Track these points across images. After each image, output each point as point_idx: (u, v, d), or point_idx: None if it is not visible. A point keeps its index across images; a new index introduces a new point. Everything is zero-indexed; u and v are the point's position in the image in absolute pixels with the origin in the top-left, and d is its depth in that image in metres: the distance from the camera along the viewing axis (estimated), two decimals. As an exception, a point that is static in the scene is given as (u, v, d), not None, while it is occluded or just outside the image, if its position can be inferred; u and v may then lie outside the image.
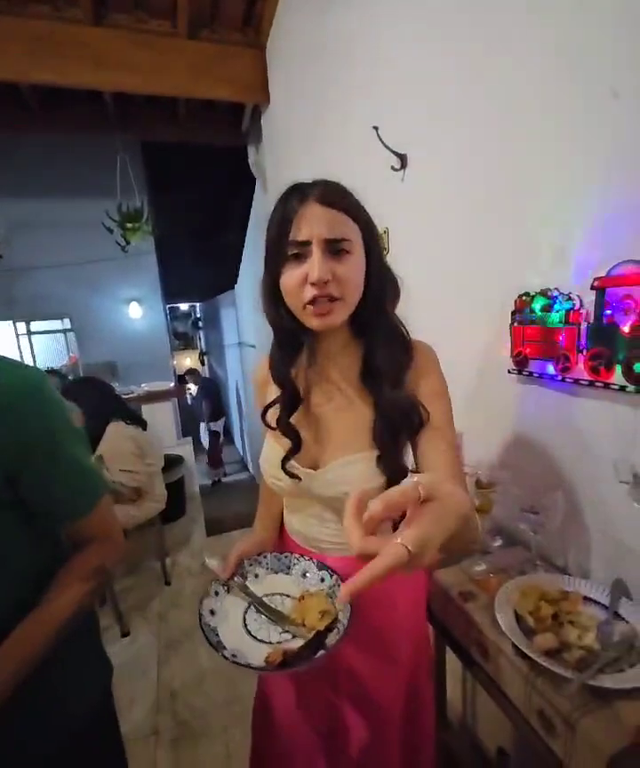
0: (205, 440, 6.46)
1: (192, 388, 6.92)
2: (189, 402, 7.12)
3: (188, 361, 10.11)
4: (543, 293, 0.87)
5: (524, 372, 0.94)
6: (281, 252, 0.61)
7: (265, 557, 0.81)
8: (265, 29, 2.42)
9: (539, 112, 0.86)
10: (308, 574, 0.76)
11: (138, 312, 5.21)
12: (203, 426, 6.54)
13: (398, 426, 0.65)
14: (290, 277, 0.61)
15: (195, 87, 2.45)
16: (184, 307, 11.13)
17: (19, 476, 0.57)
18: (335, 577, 0.73)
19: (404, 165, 1.34)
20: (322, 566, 0.75)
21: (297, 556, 0.79)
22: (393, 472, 0.65)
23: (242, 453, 7.37)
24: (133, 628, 2.18)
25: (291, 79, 2.24)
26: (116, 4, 2.22)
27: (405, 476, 0.63)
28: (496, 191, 1.00)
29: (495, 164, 1.00)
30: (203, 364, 10.19)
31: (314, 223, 0.59)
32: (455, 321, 1.18)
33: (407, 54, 1.27)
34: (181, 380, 6.81)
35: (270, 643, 0.65)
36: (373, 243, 0.65)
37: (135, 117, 3.05)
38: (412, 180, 1.33)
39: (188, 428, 5.24)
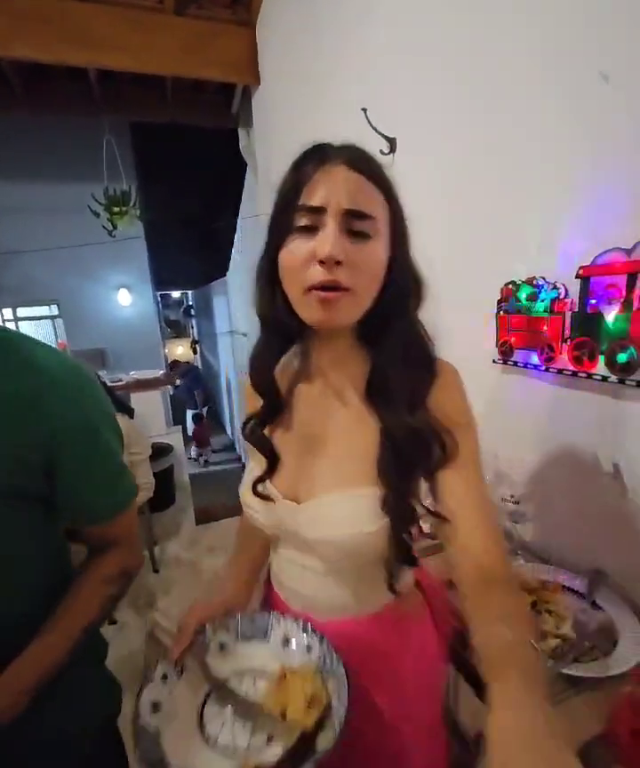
0: (190, 425, 6.64)
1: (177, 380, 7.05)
2: (171, 392, 7.29)
3: (179, 349, 10.03)
4: (529, 282, 0.85)
5: (508, 362, 0.93)
6: (287, 221, 0.48)
7: (234, 619, 0.61)
8: (255, 7, 2.34)
9: (526, 98, 0.84)
10: (290, 641, 0.58)
11: (127, 299, 5.14)
12: (189, 413, 6.67)
13: (413, 458, 0.51)
14: (293, 252, 0.48)
15: (183, 66, 2.38)
16: (176, 294, 11.00)
17: (57, 467, 0.54)
18: (325, 644, 0.54)
19: (393, 150, 1.31)
20: (308, 629, 0.57)
21: (277, 615, 0.60)
22: (399, 516, 0.51)
23: (232, 438, 7.40)
24: (121, 615, 2.18)
25: (281, 59, 2.18)
26: (102, -23, 2.15)
27: (414, 521, 0.52)
28: (483, 178, 0.98)
29: (482, 151, 0.98)
30: (195, 352, 10.12)
31: (333, 188, 0.46)
32: (440, 309, 1.17)
33: (397, 36, 1.23)
34: (170, 369, 6.87)
35: (237, 750, 0.48)
36: (402, 230, 0.53)
37: (122, 98, 2.97)
38: (400, 165, 1.30)
39: (177, 417, 5.22)
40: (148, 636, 1.79)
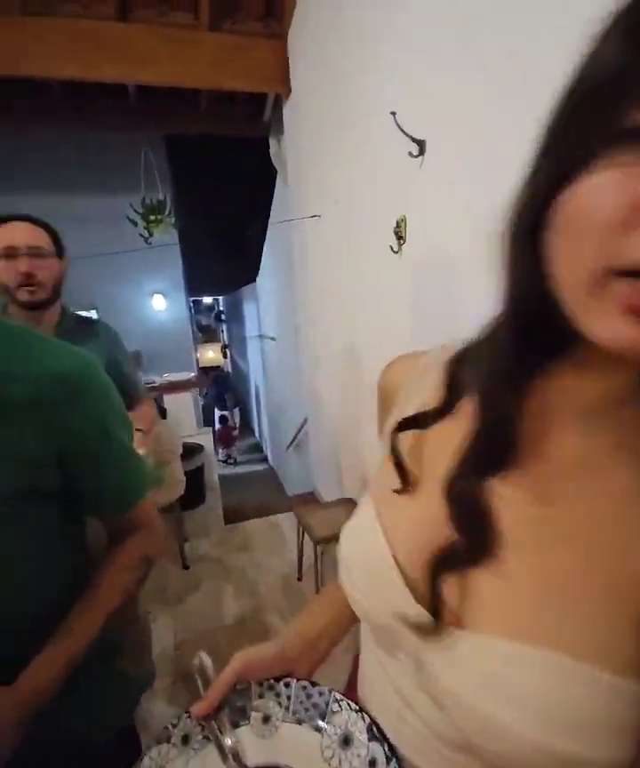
0: (216, 425, 6.93)
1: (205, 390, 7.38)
2: (202, 401, 7.59)
3: (210, 353, 10.25)
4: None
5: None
6: (592, 132, 0.23)
7: (287, 685, 0.45)
8: (287, 19, 2.41)
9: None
10: (351, 742, 0.40)
11: (162, 304, 5.30)
12: (217, 414, 6.93)
13: None
14: (599, 193, 0.22)
15: (216, 79, 2.47)
16: (207, 300, 11.26)
17: (72, 460, 0.55)
18: (393, 763, 0.37)
19: (422, 151, 1.33)
20: (378, 736, 0.39)
21: (345, 701, 0.42)
22: None
23: (259, 440, 7.51)
24: (151, 609, 2.25)
25: (312, 68, 2.23)
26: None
27: None
28: (517, 178, 0.99)
29: (516, 152, 0.98)
30: (225, 356, 10.33)
31: None
32: (476, 313, 1.18)
33: (428, 37, 1.25)
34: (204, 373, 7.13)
35: None
36: None
37: (158, 111, 3.10)
38: (430, 167, 1.32)
39: (207, 419, 5.34)
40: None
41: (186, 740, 0.42)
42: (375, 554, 0.38)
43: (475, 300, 1.16)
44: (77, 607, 0.58)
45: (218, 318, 11.25)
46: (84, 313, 1.46)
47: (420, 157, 1.33)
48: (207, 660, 0.46)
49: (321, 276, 2.48)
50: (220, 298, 10.65)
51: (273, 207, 3.83)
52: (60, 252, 1.20)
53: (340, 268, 2.13)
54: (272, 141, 3.15)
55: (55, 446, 0.54)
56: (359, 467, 2.30)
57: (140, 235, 3.02)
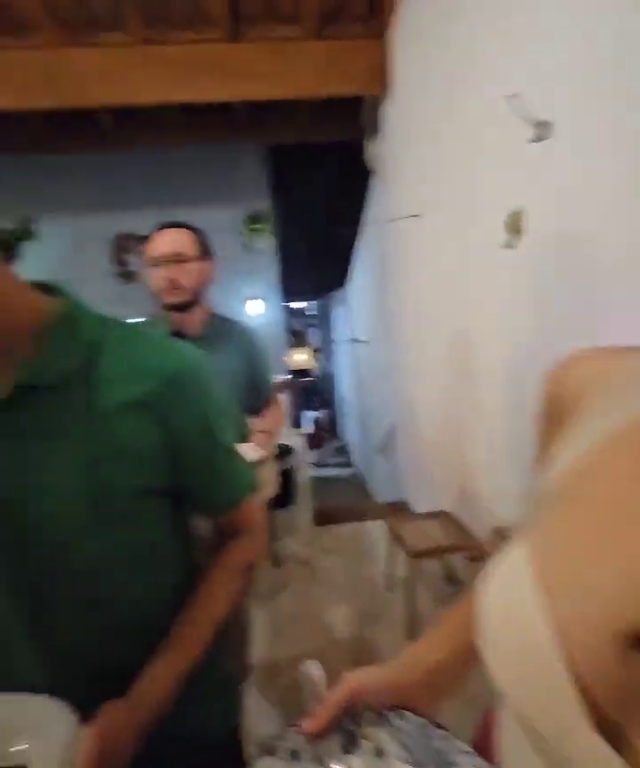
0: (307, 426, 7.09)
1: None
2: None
3: (300, 357, 10.51)
4: None
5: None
6: None
7: (404, 719, 0.39)
8: (388, 17, 2.37)
9: None
10: None
11: (257, 309, 5.53)
12: (307, 416, 7.08)
13: None
14: None
15: (319, 87, 2.50)
16: (298, 305, 11.57)
17: (178, 459, 0.55)
18: None
19: (544, 137, 1.21)
20: None
21: (473, 755, 0.35)
22: None
23: (345, 444, 7.52)
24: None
25: (415, 61, 2.17)
26: (249, 18, 2.36)
27: None
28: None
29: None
30: (315, 360, 10.54)
31: None
32: (623, 312, 1.03)
33: (542, 20, 1.14)
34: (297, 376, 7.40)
35: None
36: None
37: (261, 123, 3.23)
38: (557, 152, 1.19)
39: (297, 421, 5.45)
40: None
41: (295, 755, 0.39)
42: (528, 633, 0.25)
43: (620, 300, 1.01)
44: (186, 616, 0.57)
45: (308, 323, 11.53)
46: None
47: (544, 142, 1.21)
48: (317, 672, 0.42)
49: (421, 278, 2.39)
50: (310, 303, 10.89)
51: (368, 210, 3.80)
52: (204, 254, 1.26)
53: (445, 267, 2.03)
54: (369, 144, 3.13)
55: (165, 444, 0.54)
56: (457, 478, 2.17)
57: (243, 243, 3.16)
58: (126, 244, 3.51)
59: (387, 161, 2.79)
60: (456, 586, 2.18)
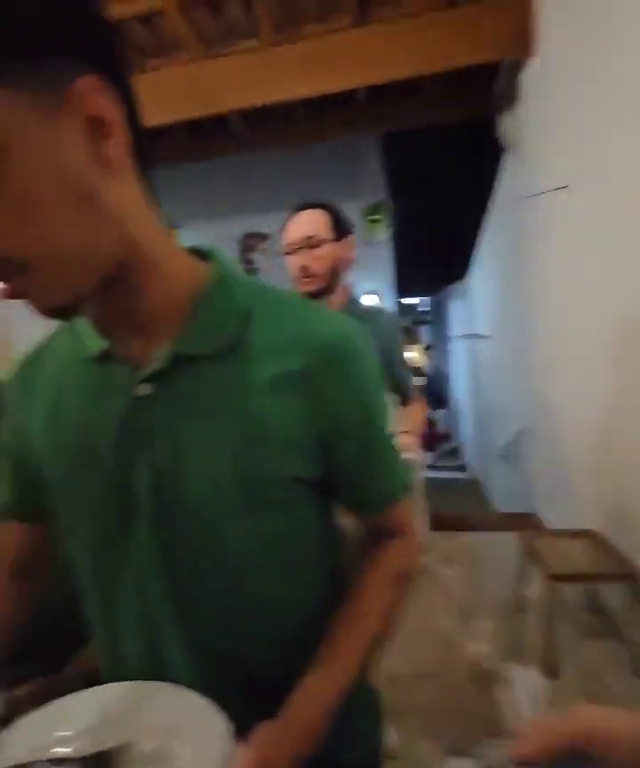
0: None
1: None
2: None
3: (412, 354, 10.26)
4: None
5: None
6: None
7: None
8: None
9: None
10: None
11: (372, 304, 5.46)
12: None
13: None
14: None
15: (451, 57, 2.33)
16: (410, 301, 11.28)
17: (331, 445, 0.48)
18: None
19: None
20: None
21: None
22: None
23: (457, 446, 7.14)
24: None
25: (567, 22, 1.90)
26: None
27: None
28: None
29: None
30: (427, 357, 10.21)
31: None
32: None
33: None
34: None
35: None
36: None
37: (383, 110, 3.13)
38: None
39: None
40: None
41: None
42: None
43: None
44: (340, 628, 0.50)
45: (419, 320, 11.18)
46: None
47: None
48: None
49: (569, 259, 2.09)
50: (422, 299, 10.54)
51: (496, 192, 3.49)
52: (340, 234, 1.19)
53: (604, 246, 1.74)
54: (502, 118, 2.85)
55: (320, 428, 0.47)
56: (609, 493, 1.86)
57: (362, 237, 3.10)
58: (251, 243, 3.66)
59: (526, 132, 2.50)
60: (601, 617, 1.88)
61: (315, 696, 0.45)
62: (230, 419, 0.44)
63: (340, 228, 1.19)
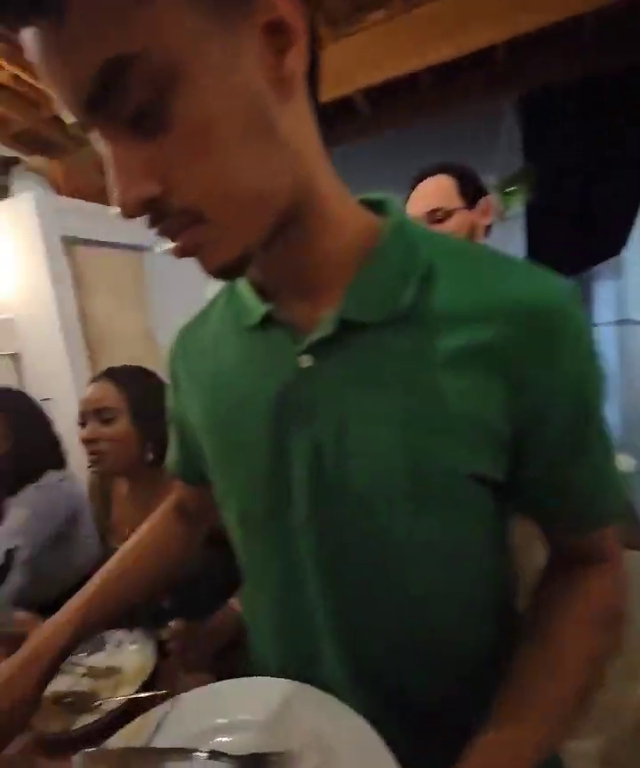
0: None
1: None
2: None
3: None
4: None
5: None
6: None
7: None
8: None
9: None
10: None
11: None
12: None
13: None
14: None
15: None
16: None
17: (528, 441, 0.38)
18: None
19: None
20: None
21: None
22: None
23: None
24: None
25: None
26: None
27: None
28: None
29: None
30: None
31: None
32: None
33: None
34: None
35: None
36: None
37: (527, 66, 2.77)
38: None
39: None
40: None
41: None
42: None
43: None
44: (531, 677, 0.39)
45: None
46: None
47: None
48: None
49: None
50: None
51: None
52: (471, 200, 1.02)
53: None
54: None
55: (515, 416, 0.37)
56: None
57: (497, 212, 2.83)
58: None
59: None
60: None
61: (509, 750, 0.35)
62: (404, 398, 0.37)
63: (473, 192, 1.01)
